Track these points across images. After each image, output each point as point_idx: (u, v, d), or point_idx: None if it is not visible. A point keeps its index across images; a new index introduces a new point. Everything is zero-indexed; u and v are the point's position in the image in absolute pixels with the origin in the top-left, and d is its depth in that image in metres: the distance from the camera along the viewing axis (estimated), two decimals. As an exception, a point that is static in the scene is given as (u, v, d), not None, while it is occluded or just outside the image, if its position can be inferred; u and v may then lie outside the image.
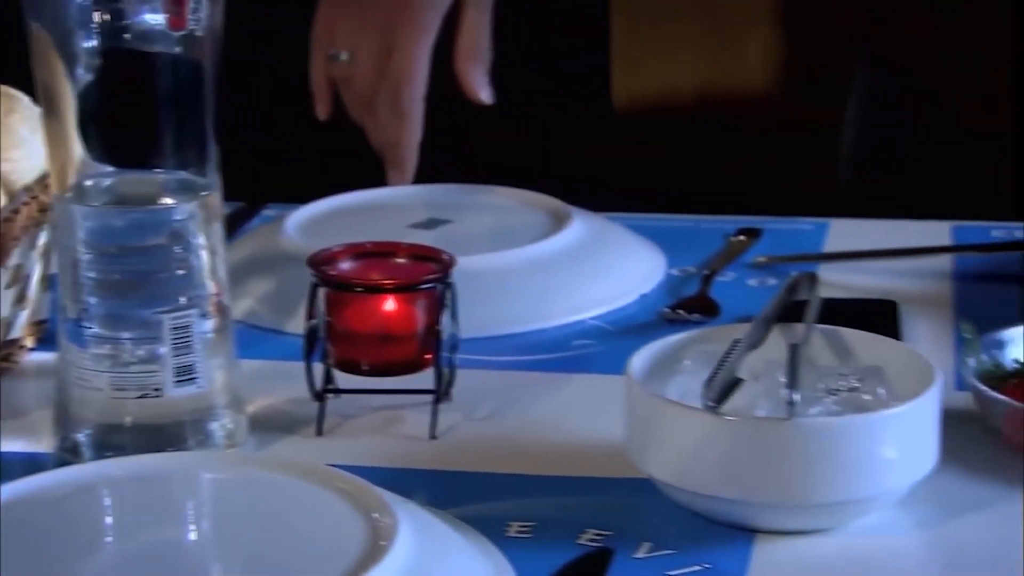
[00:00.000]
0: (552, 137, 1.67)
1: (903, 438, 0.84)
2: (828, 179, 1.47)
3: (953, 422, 0.93)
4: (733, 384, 0.85)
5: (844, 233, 1.25)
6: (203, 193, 0.92)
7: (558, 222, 1.17)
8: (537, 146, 1.66)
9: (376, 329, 0.97)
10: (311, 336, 0.97)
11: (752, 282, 1.17)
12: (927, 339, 1.06)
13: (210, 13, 0.90)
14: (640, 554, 0.83)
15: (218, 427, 0.92)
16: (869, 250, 1.17)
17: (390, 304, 0.97)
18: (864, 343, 0.92)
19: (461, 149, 1.49)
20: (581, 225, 1.17)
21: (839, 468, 0.83)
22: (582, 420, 0.97)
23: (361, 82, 1.29)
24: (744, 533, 0.85)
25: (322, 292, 0.97)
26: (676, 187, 1.46)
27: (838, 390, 0.87)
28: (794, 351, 0.86)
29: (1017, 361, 0.95)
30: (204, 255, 0.91)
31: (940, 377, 0.86)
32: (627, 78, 1.63)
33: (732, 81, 1.62)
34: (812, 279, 0.95)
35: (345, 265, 1.00)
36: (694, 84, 1.63)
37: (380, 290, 0.97)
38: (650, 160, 1.62)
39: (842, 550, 0.84)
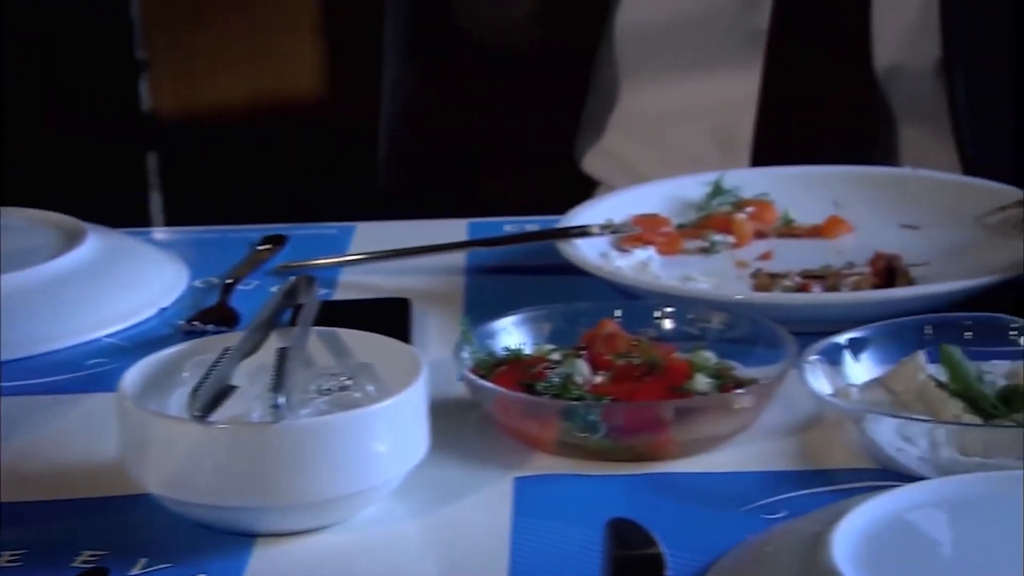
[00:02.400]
0: (82, 151, 1.65)
1: (391, 431, 0.87)
2: (370, 183, 1.50)
3: (451, 411, 0.98)
4: (224, 392, 0.86)
5: (369, 236, 1.28)
6: None
7: (70, 240, 1.16)
8: (64, 162, 1.64)
9: None
10: None
11: (275, 289, 1.18)
12: (437, 333, 1.09)
13: None
14: (135, 571, 0.83)
15: None
16: (384, 251, 1.20)
17: None
18: (361, 342, 0.94)
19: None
20: (96, 242, 1.16)
21: (329, 466, 0.85)
22: (88, 440, 0.97)
23: None
24: (244, 538, 0.86)
25: None
26: (215, 196, 1.46)
27: (329, 390, 0.90)
28: (282, 354, 0.88)
29: (507, 349, 1.00)
30: None
31: (426, 369, 0.90)
32: (165, 88, 1.63)
33: (276, 89, 1.63)
34: (309, 282, 0.97)
35: None
36: (237, 93, 1.63)
37: None
38: (193, 171, 1.62)
39: (340, 545, 0.86)
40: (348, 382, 0.90)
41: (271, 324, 0.93)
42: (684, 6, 1.38)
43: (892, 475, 0.90)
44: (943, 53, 1.31)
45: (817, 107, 1.36)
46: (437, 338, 1.08)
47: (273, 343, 0.92)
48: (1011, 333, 0.98)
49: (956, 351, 0.92)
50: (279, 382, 0.85)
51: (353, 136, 1.52)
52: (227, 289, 1.15)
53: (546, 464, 0.93)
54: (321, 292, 1.15)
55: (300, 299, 0.95)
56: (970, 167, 1.32)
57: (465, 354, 0.99)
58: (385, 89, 1.48)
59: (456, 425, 0.96)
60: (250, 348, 0.91)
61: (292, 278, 0.97)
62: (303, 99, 1.62)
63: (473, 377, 0.96)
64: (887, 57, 1.34)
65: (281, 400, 0.84)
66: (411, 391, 0.88)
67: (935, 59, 1.32)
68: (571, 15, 1.42)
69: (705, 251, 1.20)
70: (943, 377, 0.93)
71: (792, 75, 1.37)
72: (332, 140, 1.58)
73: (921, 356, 0.95)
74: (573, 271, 1.15)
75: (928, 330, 0.99)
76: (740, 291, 1.12)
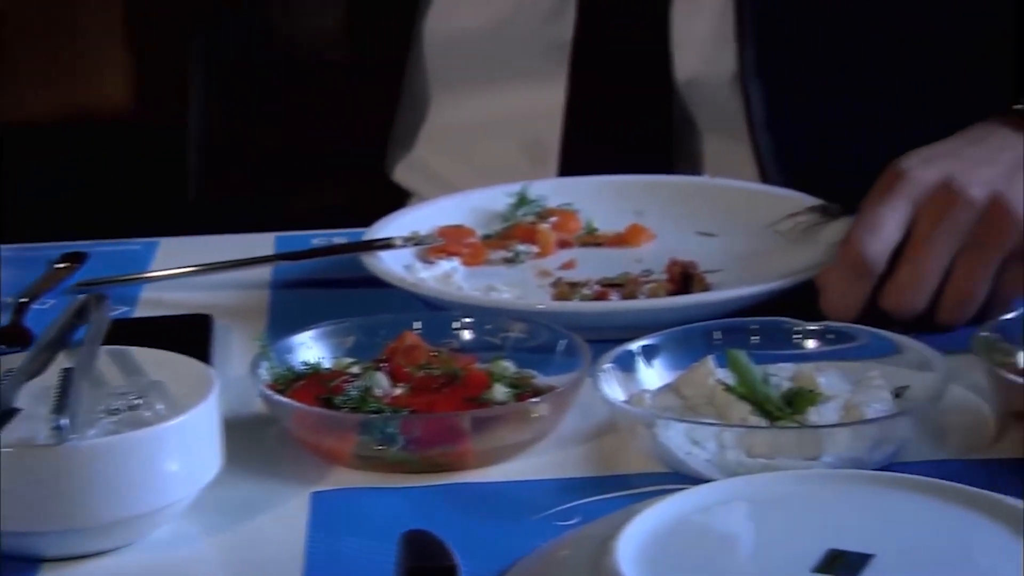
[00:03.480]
0: None
1: (181, 449, 0.86)
2: (180, 197, 1.49)
3: (250, 427, 0.98)
4: (5, 415, 0.85)
5: (173, 252, 1.27)
6: None
7: None
8: None
9: None
10: None
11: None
12: (239, 349, 1.09)
13: None
14: (-81, 597, 0.83)
15: None
16: (187, 266, 1.19)
17: None
18: (152, 360, 0.94)
19: None
20: None
21: (116, 487, 0.84)
22: None
23: None
24: (31, 563, 0.85)
25: None
26: (16, 213, 1.44)
27: (118, 409, 0.89)
28: (65, 374, 0.87)
29: (306, 363, 1.00)
30: None
31: (217, 386, 0.89)
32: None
33: (82, 101, 1.61)
34: (99, 300, 0.96)
35: None
36: (41, 105, 1.61)
37: None
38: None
39: (131, 567, 0.85)
40: (138, 401, 0.89)
41: (59, 344, 0.92)
42: (489, 16, 1.39)
43: (683, 478, 0.91)
44: (738, 64, 1.34)
45: (622, 117, 1.38)
46: (239, 354, 1.08)
47: (61, 363, 0.91)
48: (796, 336, 1.01)
49: (742, 355, 0.94)
50: (61, 403, 0.84)
51: (161, 150, 1.51)
52: (21, 308, 1.13)
53: (344, 478, 0.93)
54: (122, 310, 1.15)
55: (90, 317, 0.94)
56: (767, 175, 1.35)
57: (262, 370, 0.98)
58: (193, 102, 1.47)
59: (254, 442, 0.96)
60: (35, 369, 0.89)
61: (81, 296, 0.97)
62: (110, 112, 1.60)
63: (269, 392, 0.96)
64: (687, 68, 1.36)
65: (63, 421, 0.83)
66: (201, 408, 0.87)
67: (732, 70, 1.34)
68: (381, 25, 1.42)
69: (509, 261, 1.21)
70: (731, 381, 0.95)
71: (597, 85, 1.38)
72: (140, 154, 1.56)
73: (710, 361, 0.97)
74: (379, 284, 1.16)
75: (717, 335, 1.01)
76: (541, 301, 1.14)
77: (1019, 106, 1.13)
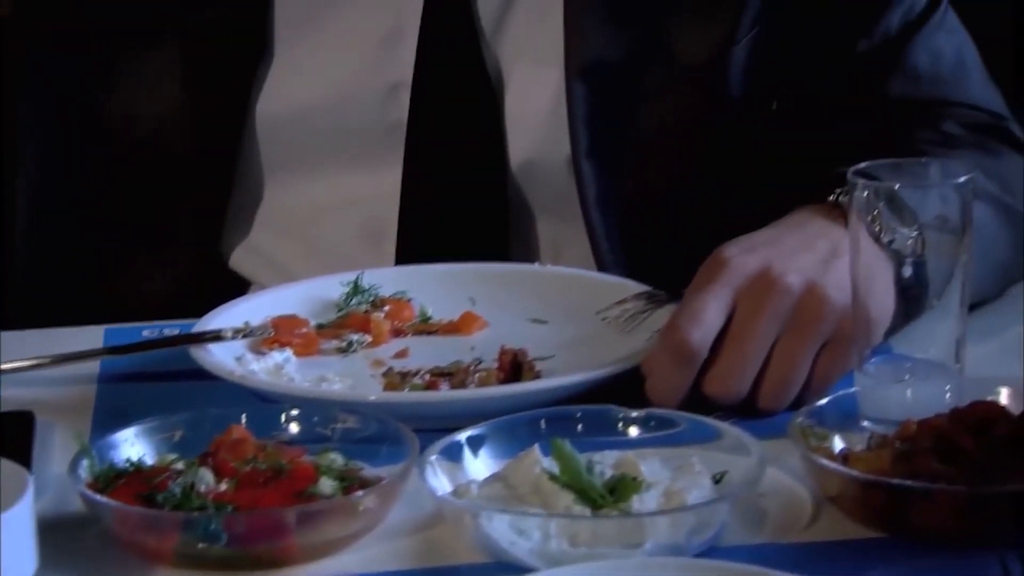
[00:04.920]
0: None
1: (-6, 553, 0.85)
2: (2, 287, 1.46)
3: (71, 528, 0.96)
4: None
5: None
6: None
7: None
8: None
9: None
10: None
11: None
12: (63, 448, 1.06)
13: None
14: None
15: None
16: (9, 363, 1.15)
17: None
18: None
19: None
20: None
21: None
22: None
23: None
24: None
25: None
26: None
27: (-71, 514, 0.87)
28: None
29: (129, 460, 0.99)
30: None
31: (31, 487, 0.88)
32: None
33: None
34: None
35: None
36: None
37: None
38: None
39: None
40: (-49, 504, 0.88)
41: None
42: (324, 96, 1.39)
43: (510, 568, 0.92)
44: (571, 146, 1.35)
45: (458, 199, 1.39)
46: (62, 452, 1.05)
47: None
48: (619, 424, 1.02)
49: (566, 444, 0.95)
50: None
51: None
52: None
53: (166, 578, 0.92)
54: (-59, 409, 1.13)
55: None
56: (601, 257, 1.36)
57: (81, 469, 0.97)
58: (20, 185, 1.45)
59: (74, 542, 0.94)
60: None
61: None
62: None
63: (88, 492, 0.95)
64: (521, 151, 1.38)
65: None
66: (15, 511, 0.86)
67: (566, 153, 1.36)
68: (216, 106, 1.41)
69: (342, 351, 1.21)
70: (556, 470, 0.95)
71: (432, 168, 1.39)
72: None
73: (536, 450, 0.98)
74: (211, 376, 1.15)
75: (543, 424, 1.01)
76: (371, 391, 1.14)
77: (833, 196, 1.16)
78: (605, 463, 0.96)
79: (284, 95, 1.39)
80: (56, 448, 1.07)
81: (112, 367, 1.19)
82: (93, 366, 1.19)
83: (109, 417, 1.10)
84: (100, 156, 1.44)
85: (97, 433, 1.02)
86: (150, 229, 1.43)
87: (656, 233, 1.38)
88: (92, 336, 1.25)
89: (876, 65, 1.36)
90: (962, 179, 1.02)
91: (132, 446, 1.00)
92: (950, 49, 1.38)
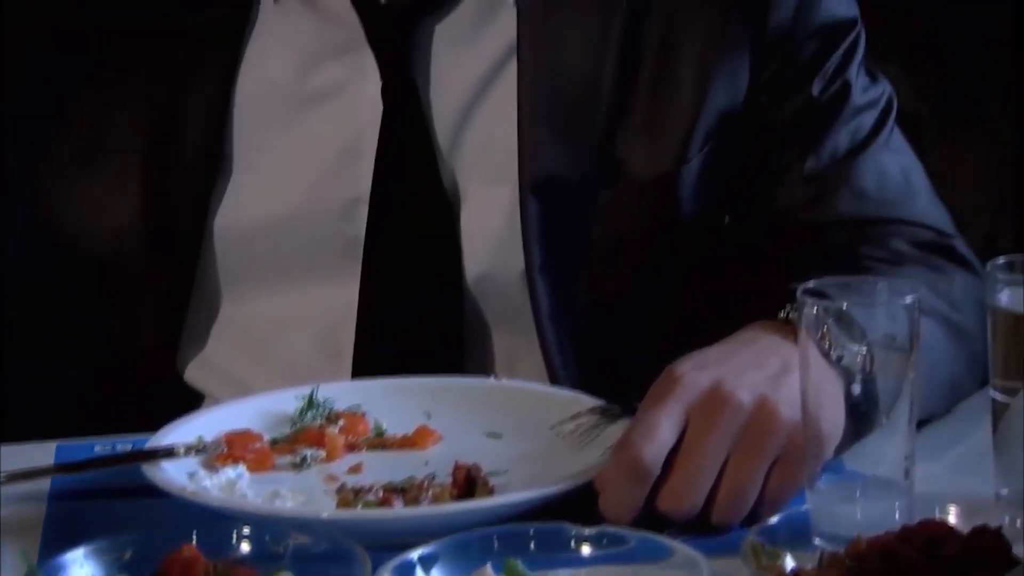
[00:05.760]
0: None
1: None
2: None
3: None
4: None
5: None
6: None
7: None
8: None
9: None
10: None
11: None
12: (10, 570, 1.05)
13: None
14: None
15: None
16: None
17: None
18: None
19: None
20: None
21: None
22: None
23: None
24: None
25: None
26: None
27: None
28: None
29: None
30: None
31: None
32: None
33: None
34: None
35: None
36: None
37: None
38: None
39: None
40: None
41: None
42: (281, 211, 1.39)
43: None
44: (525, 261, 1.36)
45: (414, 313, 1.39)
46: (11, 574, 1.05)
47: None
48: (572, 541, 1.01)
49: (517, 564, 0.95)
50: None
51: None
52: None
53: None
54: None
55: None
56: (554, 370, 1.37)
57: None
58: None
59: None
60: None
61: None
62: None
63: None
64: (477, 265, 1.39)
65: None
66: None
67: (521, 267, 1.37)
68: (174, 220, 1.41)
69: (296, 467, 1.20)
70: (508, 590, 0.95)
71: (389, 282, 1.39)
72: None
73: (488, 569, 0.97)
74: (164, 493, 1.14)
75: (496, 542, 1.01)
76: (324, 508, 1.13)
77: (783, 313, 1.17)
78: (557, 582, 0.96)
79: (242, 209, 1.40)
80: (3, 569, 1.06)
81: (63, 484, 1.18)
82: (44, 483, 1.18)
83: (58, 536, 1.09)
84: (57, 267, 1.44)
85: (45, 553, 1.01)
86: (105, 341, 1.43)
87: (609, 346, 1.39)
88: (44, 451, 1.24)
89: (824, 184, 1.39)
90: (909, 298, 1.03)
91: (81, 567, 0.99)
92: (896, 168, 1.40)
